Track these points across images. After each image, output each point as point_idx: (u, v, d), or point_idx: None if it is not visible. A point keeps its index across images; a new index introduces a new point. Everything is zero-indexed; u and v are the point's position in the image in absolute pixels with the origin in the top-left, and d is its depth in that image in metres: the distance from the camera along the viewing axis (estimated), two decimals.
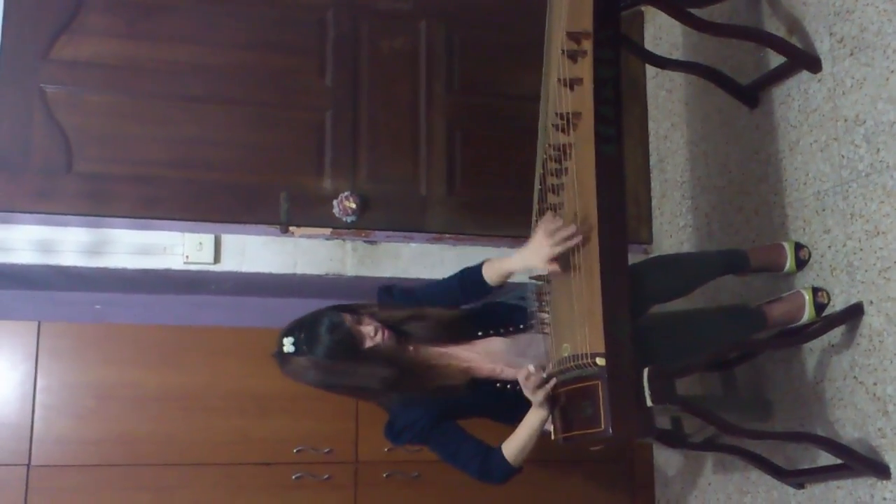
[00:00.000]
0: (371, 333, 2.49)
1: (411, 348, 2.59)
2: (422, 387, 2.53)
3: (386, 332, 2.51)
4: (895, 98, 2.68)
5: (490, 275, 2.60)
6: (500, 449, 2.51)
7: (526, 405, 2.51)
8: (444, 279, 2.70)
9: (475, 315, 2.67)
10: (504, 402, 2.58)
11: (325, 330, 2.46)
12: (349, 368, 2.50)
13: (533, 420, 2.48)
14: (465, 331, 2.62)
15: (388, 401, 2.60)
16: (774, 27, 3.16)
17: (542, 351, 2.58)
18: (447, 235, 3.60)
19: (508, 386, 2.57)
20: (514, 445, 2.50)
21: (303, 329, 2.48)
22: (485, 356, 2.60)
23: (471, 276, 2.63)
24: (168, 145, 3.39)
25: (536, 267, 2.51)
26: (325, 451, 3.34)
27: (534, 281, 2.62)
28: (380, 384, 2.51)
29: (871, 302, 2.73)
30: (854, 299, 2.79)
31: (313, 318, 2.50)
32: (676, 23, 3.29)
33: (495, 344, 2.61)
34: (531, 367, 2.41)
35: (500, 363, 2.60)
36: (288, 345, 2.48)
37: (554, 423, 2.48)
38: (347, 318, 2.49)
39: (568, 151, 2.56)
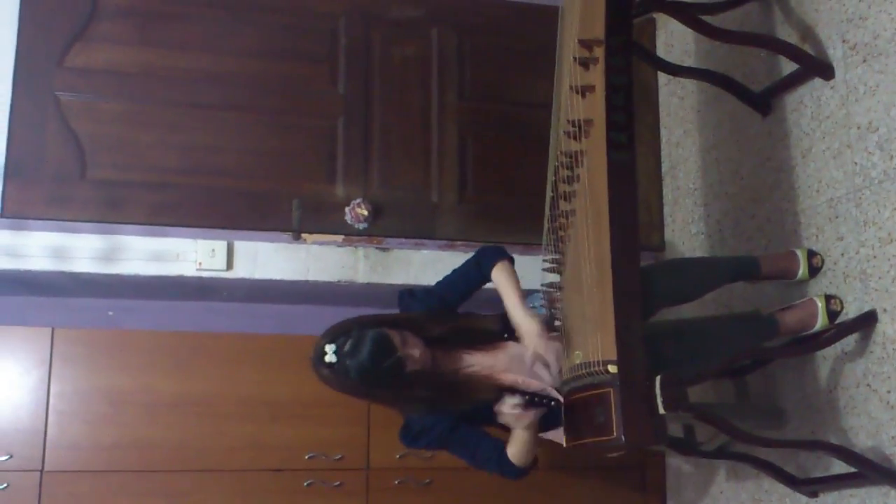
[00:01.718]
0: (415, 356, 2.45)
1: (444, 362, 2.59)
2: (456, 405, 2.53)
3: (427, 355, 2.49)
4: None
5: (494, 280, 2.61)
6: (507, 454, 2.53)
7: (542, 420, 2.52)
8: (460, 268, 2.69)
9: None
10: None
11: (370, 352, 2.38)
12: (388, 390, 2.49)
13: (521, 435, 2.50)
14: (492, 335, 2.63)
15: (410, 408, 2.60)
16: (787, 34, 3.16)
17: (554, 356, 2.59)
18: (458, 242, 3.60)
19: (526, 396, 2.56)
20: (513, 452, 2.51)
21: (347, 341, 2.42)
22: (506, 363, 2.60)
23: (485, 264, 2.63)
24: (181, 152, 3.41)
25: (527, 339, 2.52)
26: (337, 457, 3.34)
27: (545, 288, 2.63)
28: (415, 406, 2.53)
29: (885, 310, 2.72)
30: (867, 307, 2.78)
31: (360, 334, 2.42)
32: (688, 30, 3.29)
33: (514, 349, 2.61)
34: (510, 401, 2.42)
35: (520, 374, 2.59)
36: (329, 354, 2.43)
37: (566, 430, 2.48)
38: (395, 340, 2.42)
39: (580, 159, 2.56)
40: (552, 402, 2.58)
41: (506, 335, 2.61)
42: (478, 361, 2.59)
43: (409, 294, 2.69)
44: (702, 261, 3.21)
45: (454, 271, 2.69)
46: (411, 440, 2.60)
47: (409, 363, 2.43)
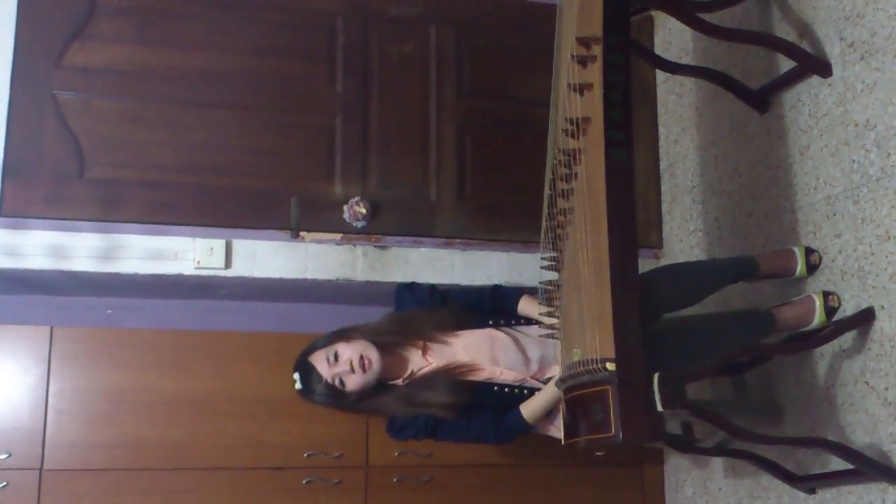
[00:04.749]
0: (347, 369, 2.62)
1: (396, 369, 2.69)
2: (425, 405, 2.65)
3: (367, 361, 2.62)
4: None
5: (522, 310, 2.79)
6: (518, 409, 2.64)
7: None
8: (476, 288, 2.89)
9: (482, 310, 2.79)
10: (500, 402, 2.63)
11: (303, 380, 2.71)
12: (349, 406, 2.72)
13: (552, 390, 2.59)
14: (473, 320, 2.74)
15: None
16: (784, 32, 3.16)
17: (539, 350, 2.64)
18: (457, 240, 3.60)
19: (506, 389, 2.60)
20: (532, 406, 2.64)
21: (302, 372, 2.72)
22: (487, 352, 2.65)
23: (506, 298, 2.81)
24: (179, 151, 3.41)
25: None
26: (336, 455, 3.34)
27: (543, 286, 2.63)
28: (386, 409, 2.71)
29: (883, 307, 2.73)
30: (865, 304, 2.78)
31: (305, 369, 2.71)
32: (686, 27, 3.29)
33: (469, 338, 2.67)
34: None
35: (501, 365, 2.63)
36: (297, 383, 2.73)
37: (564, 427, 2.49)
38: (320, 367, 2.66)
39: (578, 156, 2.56)
40: (526, 392, 2.68)
41: (490, 322, 2.72)
42: (435, 359, 2.70)
43: (406, 288, 2.77)
44: (701, 265, 3.21)
45: (471, 289, 2.91)
46: (396, 432, 2.72)
47: (346, 383, 2.64)
